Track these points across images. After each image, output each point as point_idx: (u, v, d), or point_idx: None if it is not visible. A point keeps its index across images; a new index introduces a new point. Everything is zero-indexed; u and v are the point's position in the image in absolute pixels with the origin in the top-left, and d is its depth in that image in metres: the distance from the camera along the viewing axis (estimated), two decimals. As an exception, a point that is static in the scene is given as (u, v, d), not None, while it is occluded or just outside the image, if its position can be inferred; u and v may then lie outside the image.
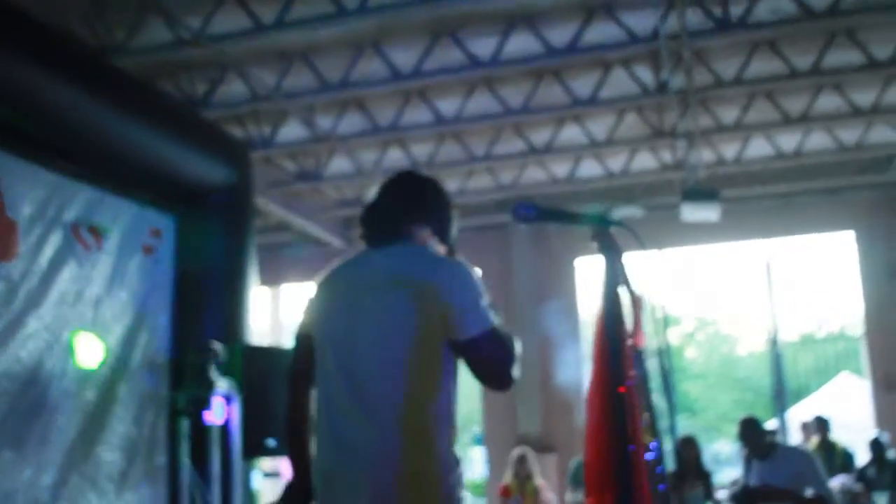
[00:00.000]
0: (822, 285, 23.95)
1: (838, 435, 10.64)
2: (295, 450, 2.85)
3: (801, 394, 19.41)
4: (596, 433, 2.47)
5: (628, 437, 2.36)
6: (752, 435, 6.67)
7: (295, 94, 9.46)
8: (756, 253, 14.04)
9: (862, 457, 9.89)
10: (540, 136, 11.37)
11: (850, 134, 11.62)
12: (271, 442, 6.99)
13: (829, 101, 10.60)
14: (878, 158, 12.37)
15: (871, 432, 12.59)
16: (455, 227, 3.01)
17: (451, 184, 12.71)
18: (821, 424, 10.21)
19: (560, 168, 12.47)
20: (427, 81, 9.63)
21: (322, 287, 2.88)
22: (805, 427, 11.49)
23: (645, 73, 9.86)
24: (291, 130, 10.70)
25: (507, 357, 2.62)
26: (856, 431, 14.25)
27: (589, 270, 13.90)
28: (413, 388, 2.56)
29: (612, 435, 2.37)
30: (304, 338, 2.86)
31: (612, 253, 2.55)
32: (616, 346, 2.46)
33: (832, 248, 15.38)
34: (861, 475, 8.91)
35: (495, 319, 2.64)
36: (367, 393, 2.59)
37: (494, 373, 2.66)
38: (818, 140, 11.73)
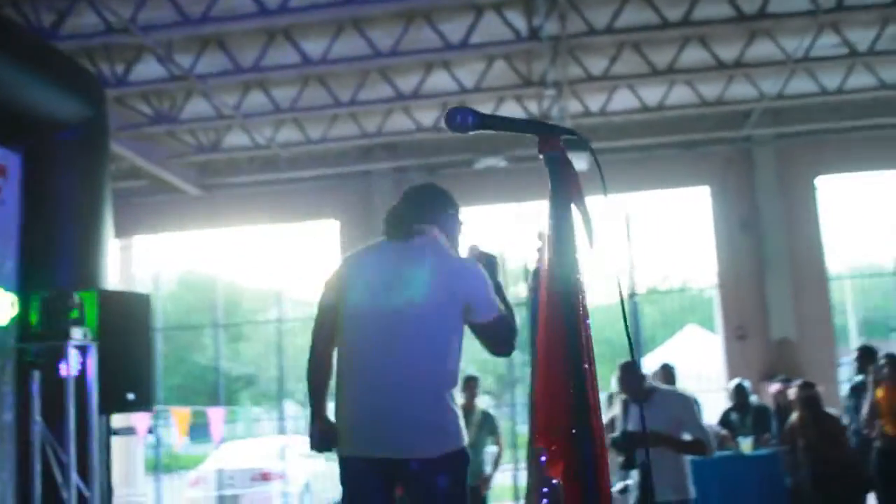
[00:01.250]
0: (671, 239, 24.45)
1: (684, 384, 10.83)
2: (319, 402, 3.49)
3: (647, 346, 19.91)
4: (547, 372, 2.24)
5: (583, 378, 2.14)
6: (631, 379, 6.63)
7: (152, 27, 8.84)
8: (614, 207, 14.20)
9: (709, 407, 10.07)
10: (407, 83, 11.07)
11: (711, 88, 11.80)
12: (131, 396, 6.54)
13: (694, 55, 10.69)
14: (735, 113, 12.62)
15: (720, 382, 12.97)
16: (460, 227, 3.66)
17: (313, 130, 12.30)
18: (666, 372, 10.29)
19: (425, 116, 12.21)
20: (293, 18, 9.17)
21: (351, 267, 3.52)
22: (652, 376, 11.62)
23: (517, 19, 9.68)
24: (146, 69, 10.05)
25: (511, 334, 3.46)
26: (703, 381, 14.70)
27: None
28: (438, 348, 3.32)
29: (566, 374, 2.15)
30: (331, 308, 3.48)
31: (562, 168, 2.30)
32: (568, 276, 2.22)
33: (686, 202, 15.67)
34: (724, 420, 9.09)
35: (500, 305, 3.40)
36: (400, 351, 3.29)
37: (501, 345, 3.48)
38: (681, 94, 11.85)
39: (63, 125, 7.02)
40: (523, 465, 14.31)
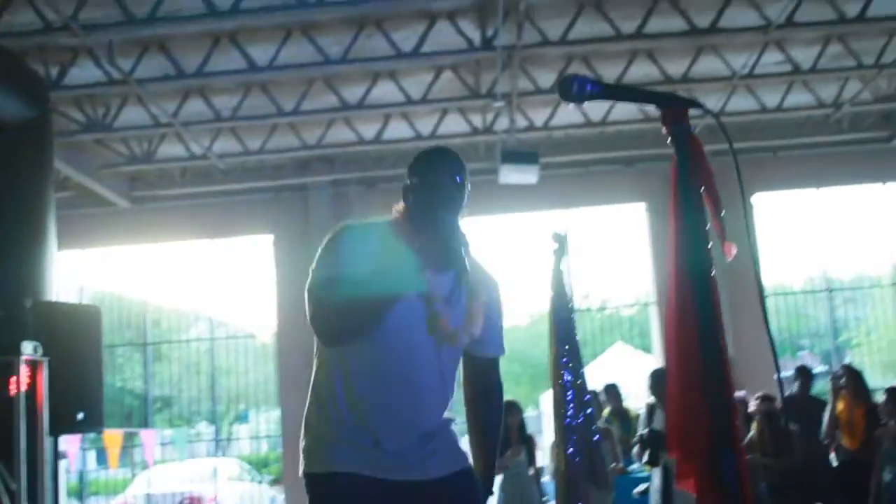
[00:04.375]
0: (608, 258, 24.39)
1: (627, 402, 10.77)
2: None
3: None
4: (681, 380, 2.02)
5: (723, 384, 1.93)
6: (662, 385, 6.78)
7: (93, 27, 8.35)
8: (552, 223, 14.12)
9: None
10: (352, 93, 10.78)
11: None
12: (80, 415, 6.08)
13: (642, 69, 10.67)
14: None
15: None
16: (414, 194, 2.97)
17: (251, 141, 11.90)
18: (613, 392, 10.28)
19: (367, 128, 11.93)
20: (243, 21, 8.83)
21: None
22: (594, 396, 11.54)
23: (470, 29, 9.51)
24: (81, 72, 9.53)
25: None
26: (632, 399, 14.69)
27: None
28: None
29: (703, 381, 1.94)
30: None
31: (689, 143, 2.10)
32: (700, 263, 2.01)
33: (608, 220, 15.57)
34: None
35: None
36: None
37: None
38: (624, 109, 11.82)
39: (5, 125, 6.56)
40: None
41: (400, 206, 3.00)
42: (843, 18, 9.57)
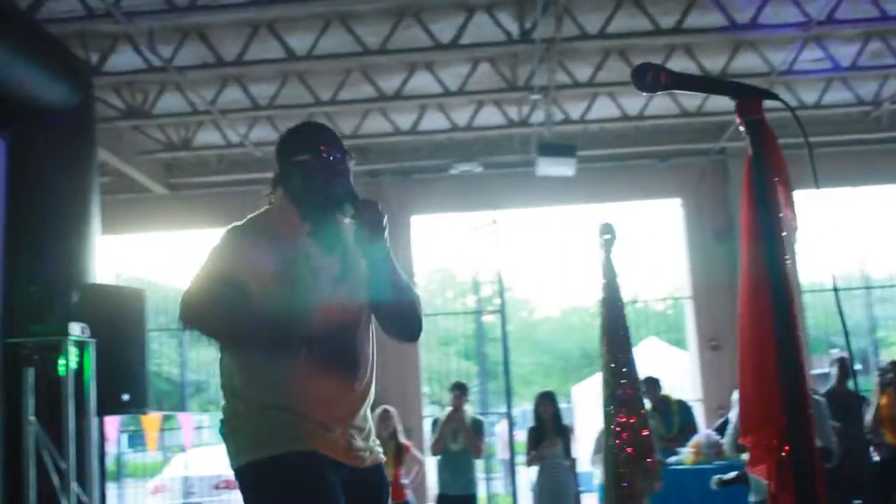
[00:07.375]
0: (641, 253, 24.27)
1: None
2: None
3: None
4: (755, 368, 2.04)
5: (797, 371, 1.95)
6: None
7: (135, 14, 8.43)
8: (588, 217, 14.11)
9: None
10: (389, 83, 10.81)
11: (692, 99, 11.75)
12: (125, 396, 6.18)
13: (679, 64, 10.60)
14: (710, 125, 12.63)
15: (686, 393, 12.86)
16: (313, 171, 2.90)
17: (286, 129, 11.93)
18: (652, 384, 10.16)
19: (403, 119, 11.97)
20: (282, 11, 8.89)
21: None
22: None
23: (508, 21, 9.51)
24: (120, 59, 9.62)
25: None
26: (676, 393, 14.62)
27: (424, 228, 13.51)
28: None
29: (776, 359, 1.95)
30: None
31: (764, 135, 2.10)
32: (774, 255, 2.02)
33: (656, 215, 15.42)
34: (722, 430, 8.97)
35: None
36: None
37: None
38: (661, 104, 11.79)
39: (49, 109, 6.65)
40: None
41: (277, 194, 2.92)
42: (885, 16, 9.48)
